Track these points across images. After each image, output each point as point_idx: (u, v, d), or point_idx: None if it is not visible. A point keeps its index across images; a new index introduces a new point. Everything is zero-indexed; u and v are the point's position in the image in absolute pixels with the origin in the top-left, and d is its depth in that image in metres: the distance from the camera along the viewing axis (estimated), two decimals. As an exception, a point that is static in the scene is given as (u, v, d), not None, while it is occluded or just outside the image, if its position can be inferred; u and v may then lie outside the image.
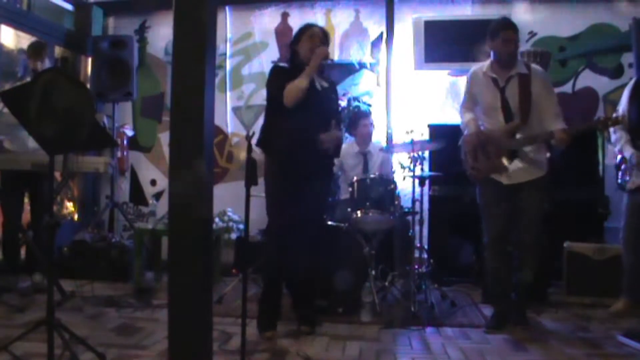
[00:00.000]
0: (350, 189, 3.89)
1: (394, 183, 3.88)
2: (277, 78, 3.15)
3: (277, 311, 3.17)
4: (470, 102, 3.36)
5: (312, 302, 3.32)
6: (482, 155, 3.23)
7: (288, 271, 3.28)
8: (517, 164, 3.17)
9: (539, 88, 3.14)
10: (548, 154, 3.29)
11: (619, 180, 3.71)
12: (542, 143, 3.15)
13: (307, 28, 3.26)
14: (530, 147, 3.18)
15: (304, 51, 3.18)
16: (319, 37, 3.22)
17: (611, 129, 3.74)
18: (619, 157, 3.75)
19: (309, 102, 3.06)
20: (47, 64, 3.99)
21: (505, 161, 3.17)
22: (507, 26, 3.12)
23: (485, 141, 3.22)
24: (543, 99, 3.14)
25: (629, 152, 3.60)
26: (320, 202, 3.31)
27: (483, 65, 3.27)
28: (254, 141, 2.59)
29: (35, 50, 3.97)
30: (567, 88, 5.14)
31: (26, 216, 4.17)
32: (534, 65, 3.28)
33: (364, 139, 4.46)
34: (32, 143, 3.82)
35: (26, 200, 4.10)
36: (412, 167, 3.80)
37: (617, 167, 3.75)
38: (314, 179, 3.16)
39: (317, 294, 3.40)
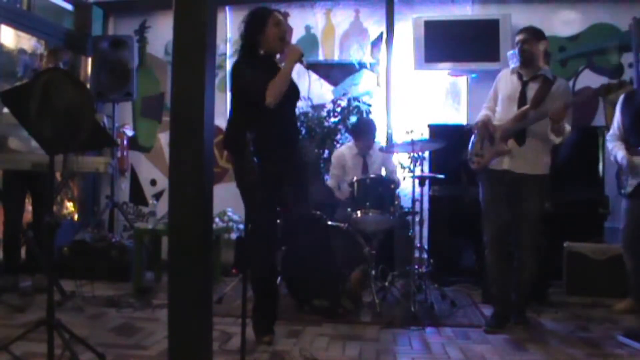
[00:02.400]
0: (350, 189, 3.89)
1: (396, 183, 3.88)
2: (247, 74, 2.91)
3: (273, 314, 3.06)
4: (493, 102, 3.44)
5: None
6: (488, 142, 3.31)
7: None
8: (522, 150, 3.20)
9: (558, 94, 3.22)
10: (550, 156, 3.31)
11: (622, 190, 3.72)
12: (543, 119, 3.14)
13: (269, 14, 2.98)
14: (536, 137, 3.18)
15: (271, 39, 2.93)
16: (285, 23, 3.03)
17: (607, 138, 3.84)
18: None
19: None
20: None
21: (511, 144, 3.21)
22: (522, 29, 3.36)
23: (494, 130, 3.29)
24: (558, 101, 3.16)
25: (620, 155, 3.64)
26: (301, 196, 3.10)
27: (514, 66, 3.42)
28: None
29: (51, 54, 3.96)
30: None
31: (27, 216, 4.17)
32: (561, 78, 3.39)
33: (365, 149, 4.43)
34: (35, 142, 3.82)
35: (27, 200, 4.10)
36: (412, 167, 3.80)
37: (617, 176, 3.79)
38: (290, 173, 2.99)
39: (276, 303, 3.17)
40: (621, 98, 3.79)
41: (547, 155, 3.28)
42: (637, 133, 3.60)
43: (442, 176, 4.22)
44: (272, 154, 2.82)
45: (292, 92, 3.04)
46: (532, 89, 3.25)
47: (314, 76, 5.33)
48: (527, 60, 3.27)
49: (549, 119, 3.09)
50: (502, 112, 3.33)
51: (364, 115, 5.05)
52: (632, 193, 3.61)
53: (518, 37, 3.32)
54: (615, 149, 3.70)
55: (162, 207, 4.64)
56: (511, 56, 3.56)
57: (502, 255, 3.27)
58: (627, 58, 4.98)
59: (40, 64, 3.98)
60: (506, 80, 3.38)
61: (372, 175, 3.92)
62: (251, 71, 2.91)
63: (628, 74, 4.96)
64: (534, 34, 3.29)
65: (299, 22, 5.43)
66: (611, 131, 3.82)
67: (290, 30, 3.08)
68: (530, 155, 3.21)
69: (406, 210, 4.24)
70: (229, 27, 5.65)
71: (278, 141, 2.93)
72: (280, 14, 3.03)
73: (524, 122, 3.20)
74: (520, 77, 3.32)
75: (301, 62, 2.97)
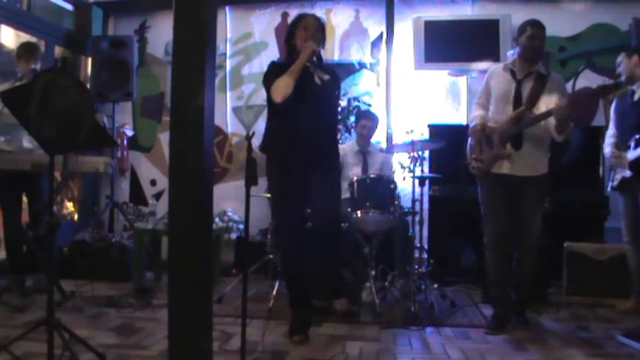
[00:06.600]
0: (350, 189, 3.89)
1: (394, 183, 3.88)
2: (271, 75, 3.01)
3: (307, 313, 3.04)
4: (484, 98, 3.38)
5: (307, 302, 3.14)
6: (487, 146, 3.26)
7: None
8: (520, 153, 3.17)
9: (553, 90, 3.19)
10: (548, 154, 3.30)
11: (610, 183, 3.76)
12: (544, 120, 3.12)
13: (300, 19, 3.10)
14: (533, 139, 3.17)
15: (299, 44, 3.03)
16: (314, 26, 3.06)
17: (606, 137, 3.85)
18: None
19: (308, 97, 2.96)
20: (39, 67, 3.89)
21: (509, 147, 3.18)
22: (534, 23, 3.24)
23: (490, 132, 3.25)
24: (554, 98, 3.15)
25: (607, 150, 3.70)
26: (327, 200, 3.07)
27: (505, 62, 3.36)
28: (255, 143, 2.55)
29: (25, 51, 3.93)
30: (567, 88, 5.14)
31: (24, 216, 4.16)
32: (554, 73, 3.34)
33: (363, 138, 4.45)
34: (27, 143, 3.81)
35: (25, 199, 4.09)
36: (412, 167, 3.80)
37: (609, 171, 3.82)
38: (316, 178, 3.03)
39: (309, 294, 3.17)
40: (616, 99, 3.81)
41: (545, 155, 3.26)
42: (624, 132, 3.62)
43: (442, 176, 4.23)
44: (289, 156, 2.97)
45: (313, 94, 3.01)
46: (527, 88, 3.20)
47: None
48: (536, 56, 3.20)
49: (553, 117, 3.06)
50: (497, 113, 3.27)
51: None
52: (619, 187, 3.63)
53: (531, 31, 3.17)
54: (605, 145, 3.75)
55: (162, 207, 4.64)
56: (511, 56, 3.54)
57: (503, 257, 3.26)
58: (627, 58, 4.97)
59: (19, 63, 3.95)
60: (499, 78, 3.30)
61: (372, 175, 3.91)
62: (276, 72, 2.99)
63: (628, 74, 4.96)
64: (544, 29, 3.20)
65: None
66: (609, 131, 3.84)
67: (317, 26, 3.12)
68: (528, 157, 3.19)
69: (406, 210, 4.23)
70: (229, 27, 5.66)
71: (287, 142, 2.99)
72: (316, 19, 3.10)
73: (520, 124, 3.16)
74: (513, 75, 3.24)
75: (314, 61, 3.03)
